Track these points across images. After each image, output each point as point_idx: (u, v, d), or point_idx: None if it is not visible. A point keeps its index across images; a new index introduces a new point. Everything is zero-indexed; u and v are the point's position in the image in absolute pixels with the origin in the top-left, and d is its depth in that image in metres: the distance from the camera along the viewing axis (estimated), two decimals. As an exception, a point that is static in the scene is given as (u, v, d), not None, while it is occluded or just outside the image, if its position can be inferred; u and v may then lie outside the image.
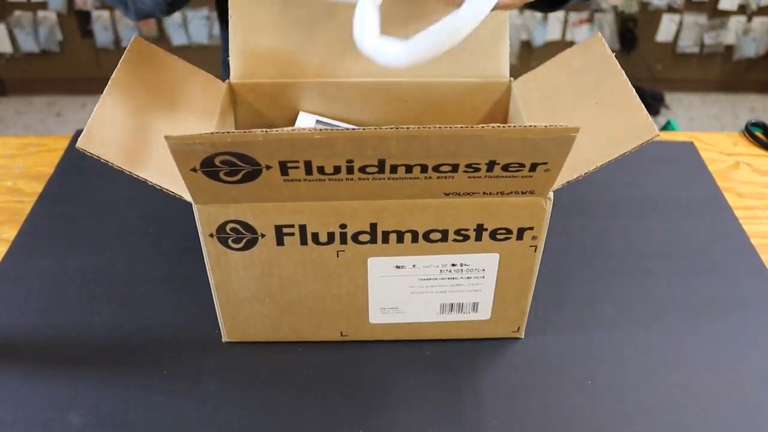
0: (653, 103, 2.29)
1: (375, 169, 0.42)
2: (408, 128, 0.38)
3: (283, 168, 0.41)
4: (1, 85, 2.31)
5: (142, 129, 0.48)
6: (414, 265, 0.50)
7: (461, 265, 0.50)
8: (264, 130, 0.38)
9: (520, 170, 0.42)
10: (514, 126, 0.38)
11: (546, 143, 0.39)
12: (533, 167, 0.42)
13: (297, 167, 0.41)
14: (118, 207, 0.67)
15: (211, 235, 0.47)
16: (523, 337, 0.56)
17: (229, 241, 0.47)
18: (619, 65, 0.50)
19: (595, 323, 0.57)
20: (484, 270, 0.50)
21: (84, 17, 2.17)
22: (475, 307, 0.53)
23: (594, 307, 0.58)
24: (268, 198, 0.45)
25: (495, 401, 0.51)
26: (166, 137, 0.38)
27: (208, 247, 0.48)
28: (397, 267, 0.50)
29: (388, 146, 0.39)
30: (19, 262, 0.61)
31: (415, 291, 0.52)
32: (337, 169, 0.42)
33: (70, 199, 0.68)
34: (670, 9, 2.24)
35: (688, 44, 2.30)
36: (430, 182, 0.43)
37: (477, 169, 0.42)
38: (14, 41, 2.18)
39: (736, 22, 2.25)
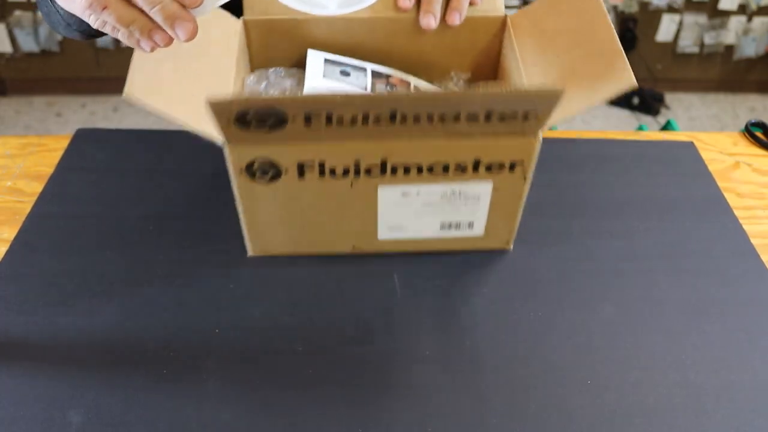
0: (653, 103, 2.29)
1: (387, 118, 0.48)
2: (418, 92, 0.46)
3: (307, 119, 0.47)
4: (1, 85, 2.31)
5: (175, 74, 0.53)
6: (418, 193, 0.56)
7: (459, 192, 0.56)
8: (293, 93, 0.45)
9: (514, 119, 0.49)
10: (510, 90, 0.45)
11: (537, 97, 0.46)
12: (525, 116, 0.48)
13: (319, 118, 0.47)
14: (118, 206, 0.67)
15: (241, 171, 0.53)
16: (511, 249, 0.63)
17: (257, 176, 0.53)
18: (604, 6, 0.56)
19: (595, 323, 0.57)
20: (479, 196, 0.57)
21: (84, 17, 2.16)
22: (470, 225, 0.60)
23: (594, 306, 0.58)
24: (292, 141, 0.50)
25: (494, 400, 0.51)
26: (207, 98, 0.43)
27: (238, 181, 0.54)
28: (404, 194, 0.56)
29: (401, 106, 0.46)
30: (19, 261, 0.61)
31: (419, 213, 0.58)
32: (354, 119, 0.47)
33: (70, 198, 0.68)
34: (670, 9, 2.24)
35: (688, 44, 2.30)
36: (434, 126, 0.50)
37: (476, 119, 0.48)
38: (14, 41, 2.18)
39: (737, 22, 2.25)
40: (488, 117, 0.48)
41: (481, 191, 0.56)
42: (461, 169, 0.54)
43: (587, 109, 0.51)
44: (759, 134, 0.81)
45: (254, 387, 0.51)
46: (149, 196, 0.68)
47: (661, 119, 2.28)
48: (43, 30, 2.15)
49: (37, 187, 0.70)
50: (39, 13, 2.13)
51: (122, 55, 2.19)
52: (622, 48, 0.52)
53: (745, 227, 0.67)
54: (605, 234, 0.65)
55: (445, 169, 0.54)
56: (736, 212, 0.69)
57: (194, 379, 0.52)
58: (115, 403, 0.50)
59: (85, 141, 0.76)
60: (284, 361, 0.53)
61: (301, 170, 0.53)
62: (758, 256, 0.63)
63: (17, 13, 2.14)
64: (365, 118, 0.48)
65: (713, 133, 0.81)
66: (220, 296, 0.58)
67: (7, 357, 0.53)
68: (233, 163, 0.52)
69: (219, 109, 0.45)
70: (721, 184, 0.73)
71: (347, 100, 0.44)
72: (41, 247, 0.62)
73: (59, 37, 2.18)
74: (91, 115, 2.22)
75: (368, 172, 0.54)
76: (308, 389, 0.51)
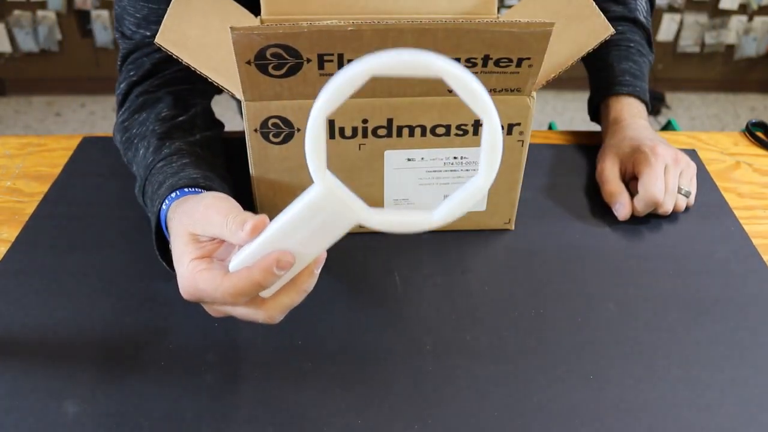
0: (654, 103, 2.29)
1: None
2: (420, 22, 0.47)
3: (321, 61, 0.49)
4: (1, 85, 2.31)
5: (202, 38, 0.56)
6: (422, 158, 0.58)
7: (462, 158, 0.58)
8: (308, 22, 0.46)
9: (509, 65, 0.51)
10: (503, 21, 0.48)
11: (529, 37, 0.48)
12: (519, 62, 0.51)
13: (331, 61, 0.49)
14: (120, 208, 0.67)
15: (255, 130, 0.55)
16: (513, 229, 0.64)
17: (270, 136, 0.55)
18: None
19: (597, 320, 0.56)
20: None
21: (83, 17, 2.17)
22: None
23: (596, 305, 0.58)
24: (304, 94, 0.53)
25: (495, 395, 0.50)
26: (231, 27, 0.46)
27: (252, 142, 0.56)
28: (409, 159, 0.58)
29: (404, 39, 0.48)
30: (20, 258, 0.61)
31: (423, 182, 0.60)
32: None
33: (73, 200, 0.68)
34: (671, 8, 2.24)
35: (688, 44, 2.30)
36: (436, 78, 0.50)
37: (474, 64, 0.51)
38: (13, 41, 2.18)
39: (737, 22, 2.25)
40: (485, 62, 0.51)
41: None
42: (462, 131, 0.56)
43: (575, 62, 0.55)
44: (759, 134, 0.81)
45: (252, 380, 0.51)
46: (150, 197, 0.68)
47: (662, 119, 2.28)
48: (43, 29, 2.15)
49: (37, 187, 0.70)
50: (38, 13, 2.14)
51: (122, 54, 2.18)
52: (599, 10, 0.56)
53: (745, 227, 0.66)
54: (607, 235, 0.65)
55: (447, 131, 0.56)
56: (737, 212, 0.68)
57: (192, 371, 0.51)
58: (111, 393, 0.49)
59: (89, 148, 0.75)
60: (283, 354, 0.53)
61: None
62: (760, 256, 0.63)
63: (16, 12, 2.14)
64: None
65: (714, 133, 0.81)
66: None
67: (6, 349, 0.53)
68: (249, 121, 0.54)
69: (241, 41, 0.47)
70: (721, 184, 0.72)
71: (357, 29, 0.47)
72: (43, 245, 0.62)
73: (58, 37, 2.18)
74: (90, 115, 2.21)
75: (376, 133, 0.56)
76: (307, 382, 0.51)
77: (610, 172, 0.68)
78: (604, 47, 0.76)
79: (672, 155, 0.66)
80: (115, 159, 0.74)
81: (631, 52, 0.76)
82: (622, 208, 0.66)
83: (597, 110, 0.78)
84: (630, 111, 0.74)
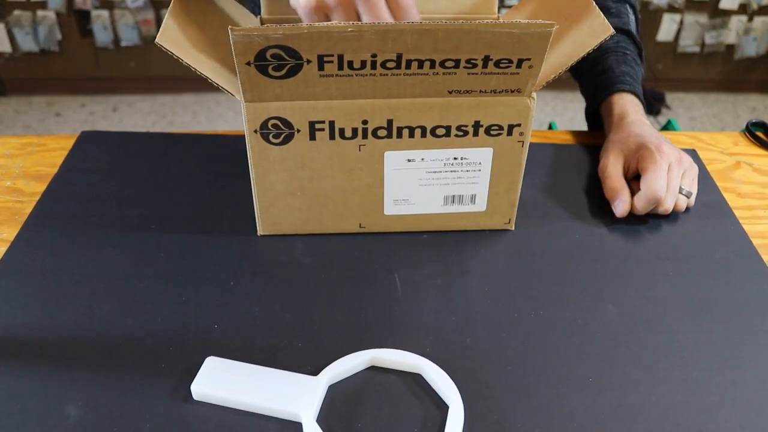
0: (654, 103, 2.29)
1: (393, 64, 0.50)
2: (421, 23, 0.48)
3: (320, 62, 0.50)
4: (1, 85, 2.31)
5: (201, 37, 0.57)
6: (422, 159, 0.58)
7: (462, 158, 0.59)
8: (308, 24, 0.47)
9: (509, 66, 0.51)
10: (504, 21, 0.48)
11: (529, 38, 0.49)
12: (519, 63, 0.51)
13: (331, 62, 0.50)
14: (120, 206, 0.67)
15: (255, 131, 0.55)
16: (513, 229, 0.64)
17: (270, 137, 0.56)
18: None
19: (596, 322, 0.56)
20: (480, 163, 0.59)
21: (83, 17, 2.17)
22: (473, 198, 0.62)
23: (596, 306, 0.58)
24: (304, 95, 0.53)
25: (494, 398, 0.50)
26: (231, 28, 0.46)
27: (252, 143, 0.56)
28: (409, 160, 0.58)
29: (404, 40, 0.48)
30: (20, 258, 0.61)
31: (423, 183, 0.60)
32: (363, 64, 0.50)
33: (73, 198, 0.68)
34: (671, 8, 2.24)
35: (688, 44, 2.30)
36: (436, 79, 0.52)
37: (474, 65, 0.51)
38: (13, 41, 2.18)
39: (737, 22, 2.25)
40: (485, 63, 0.51)
41: (482, 158, 0.59)
42: (462, 131, 0.57)
43: (575, 63, 0.55)
44: (760, 134, 0.81)
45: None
46: (151, 197, 0.68)
47: (662, 119, 2.28)
48: (43, 29, 2.15)
49: (37, 187, 0.70)
50: (38, 13, 2.13)
51: (121, 54, 2.19)
52: (598, 9, 0.56)
53: (745, 227, 0.66)
54: (606, 236, 0.65)
55: (447, 132, 0.56)
56: (737, 212, 0.68)
57: (192, 374, 0.51)
58: (112, 397, 0.49)
59: (88, 143, 0.75)
60: (283, 357, 0.53)
61: (313, 131, 0.55)
62: (760, 257, 0.63)
63: (16, 12, 2.14)
64: (373, 63, 0.50)
65: (714, 133, 0.81)
66: (219, 293, 0.58)
67: (6, 351, 0.53)
68: (248, 122, 0.54)
69: (241, 42, 0.47)
70: (721, 184, 0.72)
71: (357, 29, 0.47)
72: (42, 245, 0.62)
73: (59, 37, 2.18)
74: (90, 115, 2.21)
75: (376, 134, 0.56)
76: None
77: (613, 168, 0.68)
78: (602, 54, 0.77)
79: (676, 155, 0.66)
80: (114, 154, 0.74)
81: (627, 59, 0.77)
82: (621, 204, 0.66)
83: (595, 116, 0.79)
84: (633, 108, 0.74)
